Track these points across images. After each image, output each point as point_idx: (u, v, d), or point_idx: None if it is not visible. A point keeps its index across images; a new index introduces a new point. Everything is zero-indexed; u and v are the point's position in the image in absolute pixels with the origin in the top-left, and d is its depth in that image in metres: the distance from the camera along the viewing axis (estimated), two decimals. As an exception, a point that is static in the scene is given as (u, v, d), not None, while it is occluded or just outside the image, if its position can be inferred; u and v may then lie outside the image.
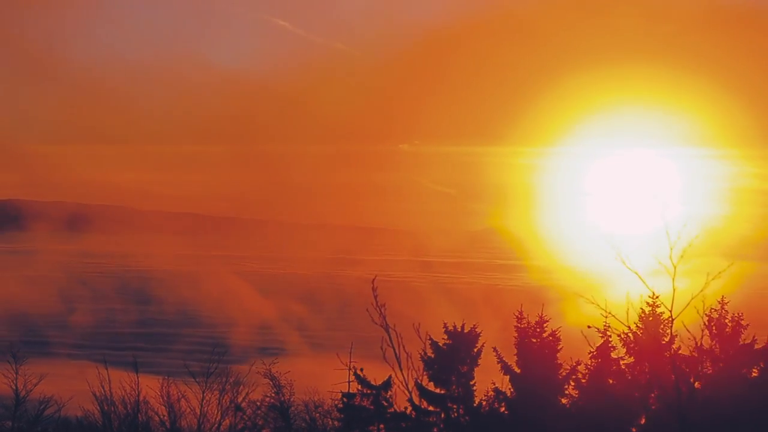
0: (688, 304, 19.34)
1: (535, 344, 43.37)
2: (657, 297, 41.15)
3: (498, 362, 43.60)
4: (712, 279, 19.49)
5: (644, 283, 19.26)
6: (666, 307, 19.19)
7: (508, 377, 43.52)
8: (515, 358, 43.65)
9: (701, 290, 19.85)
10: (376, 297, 19.90)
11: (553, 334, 43.41)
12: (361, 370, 43.80)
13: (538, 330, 43.48)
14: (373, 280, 20.07)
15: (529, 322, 43.60)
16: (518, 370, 43.36)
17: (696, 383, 36.16)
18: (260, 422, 47.45)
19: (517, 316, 43.67)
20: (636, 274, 19.02)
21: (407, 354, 20.23)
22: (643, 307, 40.66)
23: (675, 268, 18.76)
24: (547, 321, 43.62)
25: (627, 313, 21.00)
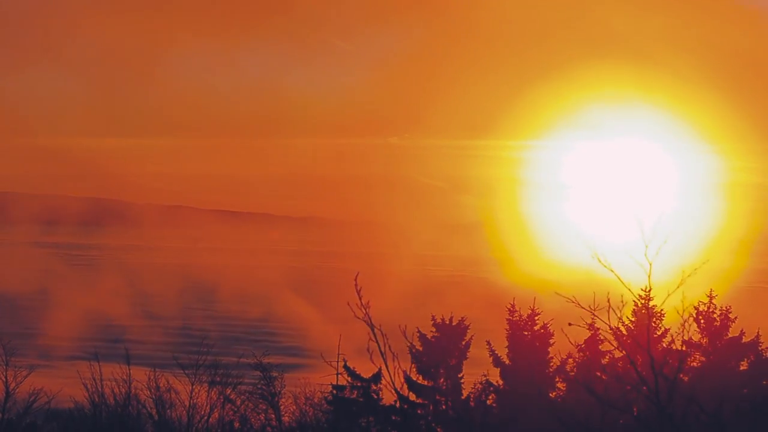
0: (663, 301, 19.46)
1: (527, 337, 43.43)
2: (650, 291, 41.30)
3: (490, 355, 43.65)
4: (687, 276, 19.57)
5: (620, 280, 19.30)
6: (645, 304, 19.25)
7: (498, 370, 43.58)
8: (506, 350, 43.73)
9: (676, 287, 19.94)
10: (359, 293, 19.83)
11: (544, 327, 43.48)
12: (351, 368, 43.79)
13: (529, 323, 43.55)
14: (356, 276, 20.00)
15: (520, 315, 43.68)
16: (509, 363, 43.42)
17: (684, 377, 36.28)
18: (249, 414, 47.45)
19: (509, 309, 43.76)
20: (612, 271, 19.02)
21: (393, 354, 20.19)
22: (636, 301, 40.76)
23: (651, 265, 18.81)
24: (539, 314, 43.69)
25: (623, 309, 20.98)
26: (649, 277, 18.73)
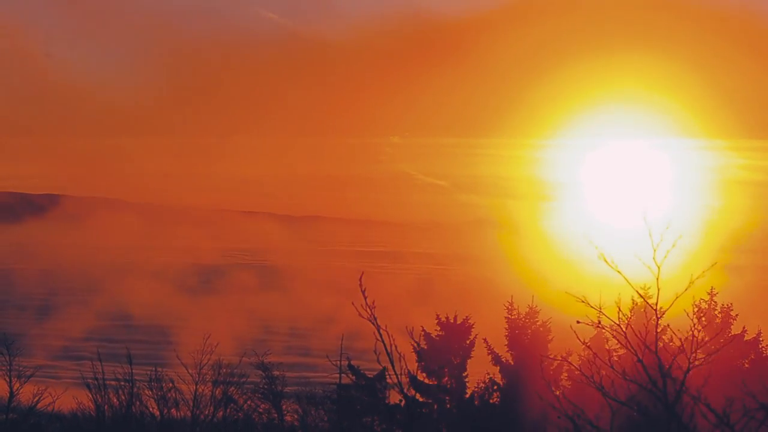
0: (672, 303, 19.57)
1: (526, 335, 43.54)
2: (648, 289, 41.43)
3: (488, 353, 43.77)
4: (697, 278, 19.64)
5: (627, 281, 19.42)
6: (650, 305, 19.33)
7: (498, 368, 43.69)
8: (505, 349, 43.83)
9: (685, 289, 20.03)
10: (364, 292, 19.91)
11: (543, 324, 43.58)
12: (355, 367, 43.90)
13: (528, 321, 43.66)
14: (361, 276, 20.04)
15: (519, 313, 43.78)
16: (509, 361, 43.54)
17: (685, 375, 36.42)
18: (252, 414, 47.53)
19: (507, 307, 43.85)
20: (618, 272, 19.14)
21: (399, 355, 20.31)
22: (634, 299, 40.94)
23: (659, 267, 18.90)
24: (538, 312, 43.80)
25: (618, 309, 21.12)
26: (657, 279, 18.83)
